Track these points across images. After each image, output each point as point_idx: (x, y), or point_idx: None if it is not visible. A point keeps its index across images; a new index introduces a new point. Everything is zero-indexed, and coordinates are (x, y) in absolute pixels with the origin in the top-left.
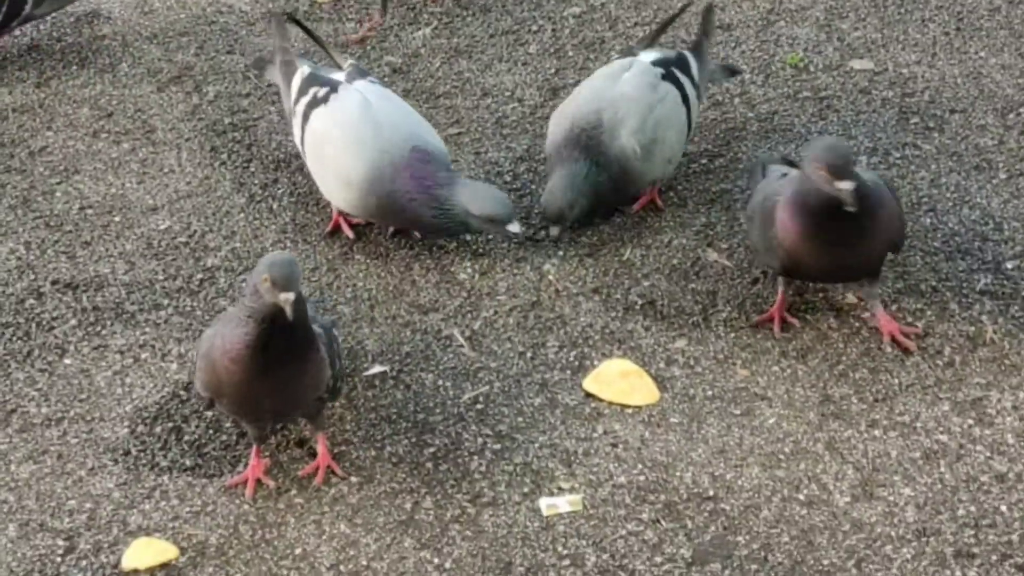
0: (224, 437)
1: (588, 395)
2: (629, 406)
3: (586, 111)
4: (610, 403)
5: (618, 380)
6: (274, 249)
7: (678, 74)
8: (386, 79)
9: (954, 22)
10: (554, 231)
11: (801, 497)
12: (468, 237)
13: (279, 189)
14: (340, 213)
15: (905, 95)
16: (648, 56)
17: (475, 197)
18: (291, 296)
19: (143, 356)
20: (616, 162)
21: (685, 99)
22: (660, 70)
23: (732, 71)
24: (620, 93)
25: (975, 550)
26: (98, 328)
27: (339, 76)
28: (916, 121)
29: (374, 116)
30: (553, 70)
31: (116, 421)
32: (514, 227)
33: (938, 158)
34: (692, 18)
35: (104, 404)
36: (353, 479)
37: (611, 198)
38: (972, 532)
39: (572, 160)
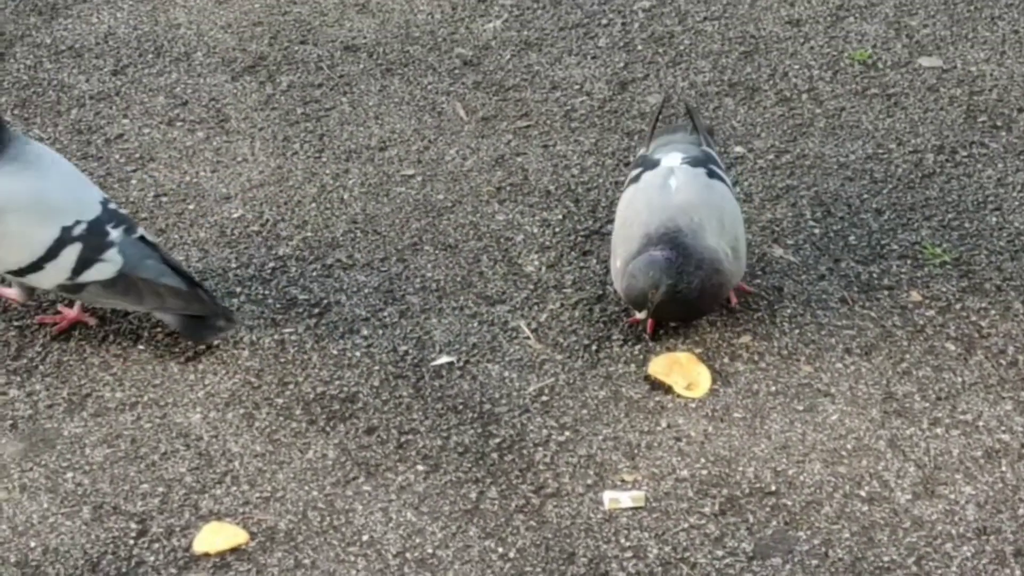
0: (294, 424)
1: (652, 383)
2: (682, 395)
3: (658, 220)
4: (668, 389)
5: (677, 367)
6: (344, 239)
7: (716, 170)
8: (456, 71)
9: (1023, 20)
10: (640, 315)
11: (862, 493)
12: (535, 230)
13: (350, 179)
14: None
15: (973, 93)
16: (675, 158)
17: None
18: None
19: (216, 343)
20: (709, 264)
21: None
22: (703, 169)
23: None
24: (685, 200)
25: None
26: None
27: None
28: (983, 119)
29: None
30: (622, 64)
31: (188, 407)
32: None
33: (1005, 157)
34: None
35: (177, 390)
36: (420, 467)
37: (697, 304)
38: None
39: (657, 250)
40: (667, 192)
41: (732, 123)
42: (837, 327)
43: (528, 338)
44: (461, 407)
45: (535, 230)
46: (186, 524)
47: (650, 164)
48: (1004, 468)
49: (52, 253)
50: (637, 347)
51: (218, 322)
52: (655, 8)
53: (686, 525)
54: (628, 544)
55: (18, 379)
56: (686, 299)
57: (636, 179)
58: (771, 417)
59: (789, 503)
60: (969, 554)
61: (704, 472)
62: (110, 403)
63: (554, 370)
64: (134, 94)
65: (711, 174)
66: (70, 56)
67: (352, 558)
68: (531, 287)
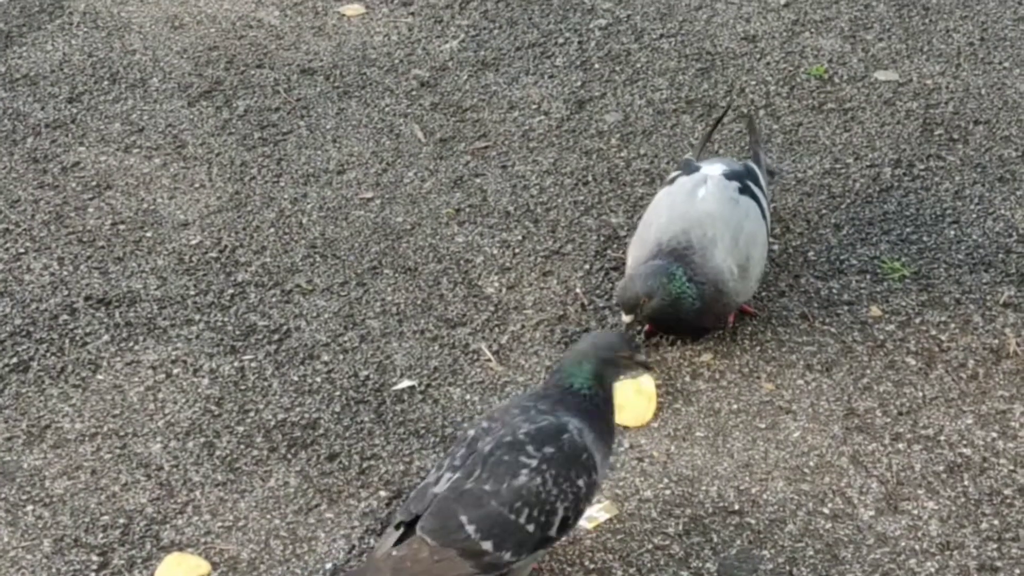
0: (255, 452)
1: None
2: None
3: (672, 231)
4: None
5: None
6: (303, 264)
7: (752, 187)
8: (413, 92)
9: (978, 32)
10: (626, 318)
11: (826, 511)
12: (495, 251)
13: (308, 204)
14: None
15: (929, 106)
16: (715, 169)
17: None
18: None
19: (175, 371)
20: (711, 283)
21: (762, 212)
22: (736, 183)
23: (772, 173)
24: (705, 211)
25: (998, 564)
26: (131, 344)
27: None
28: (940, 132)
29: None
30: (579, 83)
31: (149, 436)
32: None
33: (962, 169)
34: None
35: (137, 420)
36: (382, 493)
37: (695, 320)
38: (995, 546)
39: (661, 260)
40: (692, 200)
41: (690, 140)
42: (798, 343)
43: (489, 360)
44: (423, 431)
45: (495, 251)
46: (148, 555)
47: (690, 169)
48: (966, 482)
49: None
50: None
51: None
52: (611, 26)
53: (651, 546)
54: (593, 567)
55: None
56: (687, 315)
57: (671, 181)
58: (733, 435)
59: (753, 522)
60: (933, 570)
61: (667, 492)
62: (69, 434)
63: (516, 392)
64: (90, 121)
65: (743, 189)
66: (25, 84)
67: None
68: (491, 309)
